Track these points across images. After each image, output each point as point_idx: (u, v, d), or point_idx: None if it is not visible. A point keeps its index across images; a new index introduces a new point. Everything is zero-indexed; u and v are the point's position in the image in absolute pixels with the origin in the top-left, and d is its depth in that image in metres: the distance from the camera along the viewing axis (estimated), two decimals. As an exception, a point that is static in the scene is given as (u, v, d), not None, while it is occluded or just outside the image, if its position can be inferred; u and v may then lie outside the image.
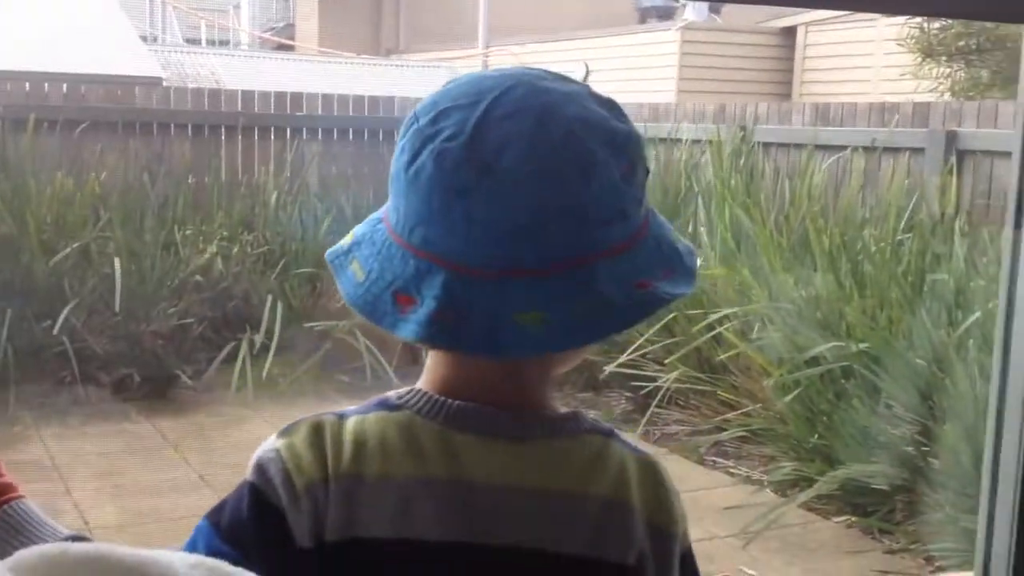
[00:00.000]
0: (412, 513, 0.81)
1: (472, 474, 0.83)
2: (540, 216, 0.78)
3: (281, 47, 13.77)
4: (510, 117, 0.79)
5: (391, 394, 0.87)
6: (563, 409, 0.89)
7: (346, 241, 0.87)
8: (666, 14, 13.21)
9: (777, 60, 10.58)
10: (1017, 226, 1.26)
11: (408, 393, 0.86)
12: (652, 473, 0.90)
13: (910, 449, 3.57)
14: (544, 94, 0.82)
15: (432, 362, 0.87)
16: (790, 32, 10.42)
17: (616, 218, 0.81)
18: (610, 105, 0.84)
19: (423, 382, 0.87)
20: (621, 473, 0.87)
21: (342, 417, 0.85)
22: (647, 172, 0.85)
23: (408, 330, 0.79)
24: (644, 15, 13.79)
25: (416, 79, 10.82)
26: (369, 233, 0.85)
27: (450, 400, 0.84)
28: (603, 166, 0.80)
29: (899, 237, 4.37)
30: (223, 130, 6.39)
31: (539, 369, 0.87)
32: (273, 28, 15.23)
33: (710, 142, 5.50)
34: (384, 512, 0.81)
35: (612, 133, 0.81)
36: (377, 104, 6.98)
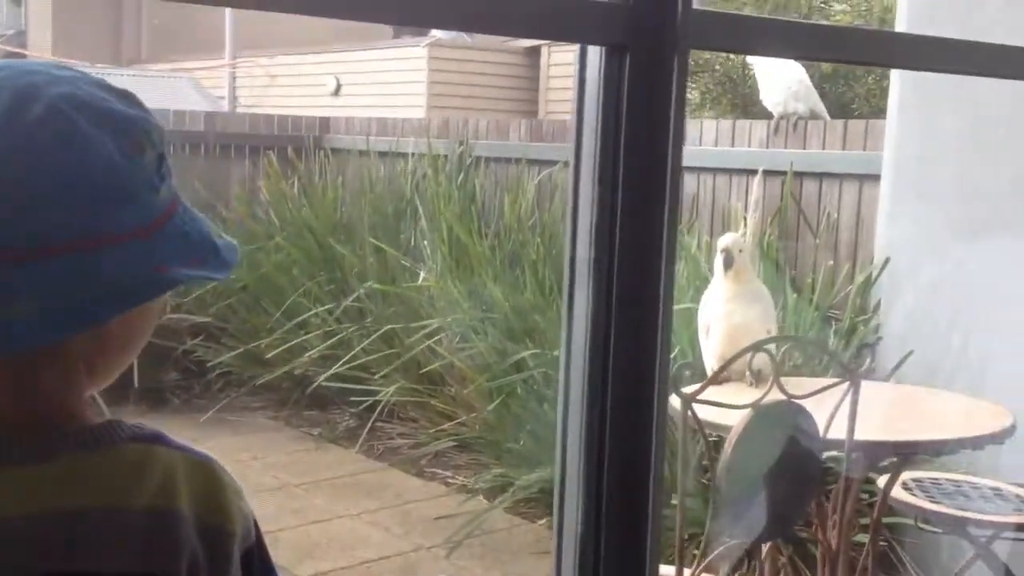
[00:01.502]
0: None
1: None
2: (21, 194, 0.75)
3: (11, 55, 12.92)
4: None
5: None
6: (98, 419, 0.85)
7: None
8: (421, 30, 13.32)
9: (523, 79, 10.88)
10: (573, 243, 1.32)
11: None
12: (205, 473, 0.88)
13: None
14: (29, 75, 0.79)
15: None
16: (535, 51, 10.74)
17: (121, 200, 0.78)
18: (122, 94, 0.82)
19: None
20: (167, 479, 0.85)
21: None
22: (161, 159, 0.82)
23: None
24: (399, 30, 13.84)
25: (157, 90, 10.42)
26: None
27: None
28: (90, 140, 0.77)
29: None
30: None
31: (61, 375, 0.82)
32: (2, 36, 14.27)
33: (431, 157, 5.59)
34: None
35: (109, 113, 0.79)
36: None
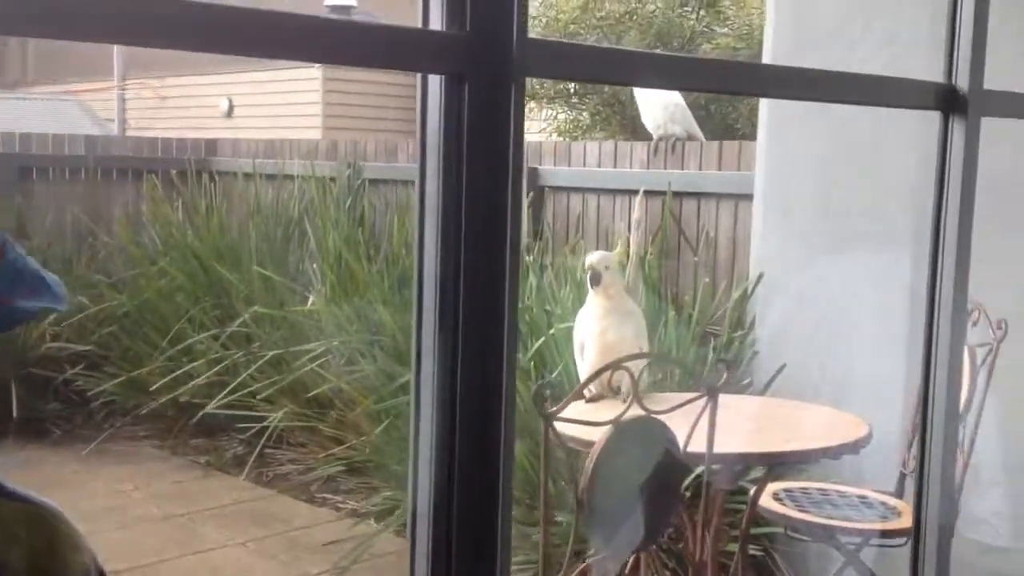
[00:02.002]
0: None
1: None
2: None
3: None
4: None
5: None
6: None
7: None
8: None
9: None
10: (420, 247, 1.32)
11: None
12: (39, 524, 0.87)
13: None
14: None
15: None
16: (427, 72, 10.76)
17: None
18: None
19: None
20: None
21: None
22: None
23: None
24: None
25: (43, 114, 10.14)
26: None
27: None
28: None
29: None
30: None
31: None
32: None
33: (317, 179, 5.57)
34: None
35: None
36: (-1, 139, 6.40)
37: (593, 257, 2.48)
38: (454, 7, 1.19)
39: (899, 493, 2.91)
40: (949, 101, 1.87)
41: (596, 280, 2.43)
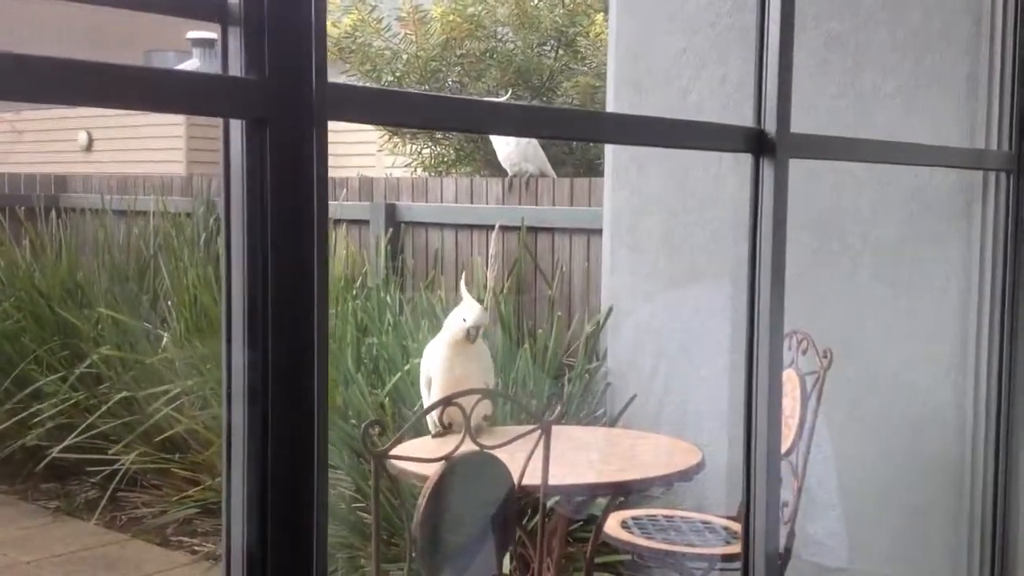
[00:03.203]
0: None
1: None
2: None
3: None
4: None
5: None
6: None
7: None
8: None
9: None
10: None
11: None
12: None
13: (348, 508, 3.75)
14: None
15: None
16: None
17: None
18: None
19: None
20: None
21: None
22: None
23: None
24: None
25: None
26: None
27: None
28: None
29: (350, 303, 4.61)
30: None
31: None
32: None
33: (170, 216, 5.47)
34: None
35: None
36: None
37: (477, 317, 2.45)
38: (252, 53, 1.21)
39: (740, 517, 3.00)
40: (759, 144, 1.97)
41: (474, 339, 2.45)
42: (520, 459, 1.96)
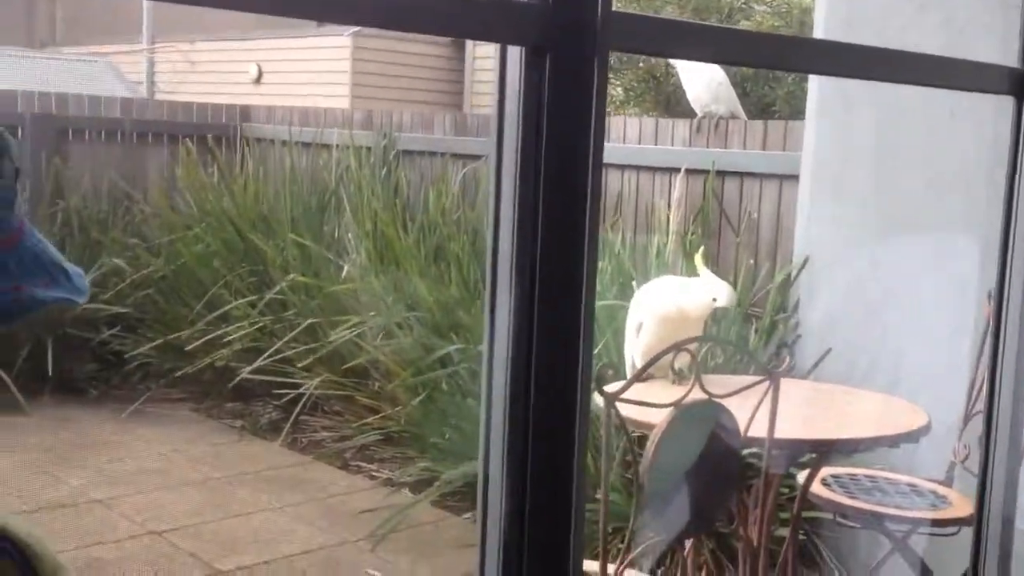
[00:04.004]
0: None
1: None
2: None
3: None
4: None
5: None
6: None
7: None
8: (345, 19, 13.08)
9: (449, 71, 10.80)
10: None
11: None
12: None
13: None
14: None
15: None
16: (460, 44, 10.68)
17: None
18: None
19: None
20: None
21: None
22: (17, 173, 0.81)
23: None
24: (324, 18, 13.61)
25: (73, 74, 10.14)
26: None
27: None
28: None
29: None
30: None
31: None
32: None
33: (355, 149, 5.55)
34: None
35: None
36: (29, 99, 6.40)
37: (728, 298, 2.35)
38: (533, -23, 1.15)
39: (949, 482, 2.87)
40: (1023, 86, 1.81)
41: (721, 318, 2.34)
42: (742, 410, 1.90)
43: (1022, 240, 1.87)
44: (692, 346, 1.86)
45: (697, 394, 1.77)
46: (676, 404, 1.74)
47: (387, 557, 3.66)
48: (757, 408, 1.89)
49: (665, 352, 1.83)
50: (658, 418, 1.79)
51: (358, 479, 4.47)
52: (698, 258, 2.51)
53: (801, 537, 3.20)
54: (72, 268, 0.86)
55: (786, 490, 3.04)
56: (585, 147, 1.20)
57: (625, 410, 1.84)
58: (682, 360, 1.85)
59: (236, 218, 5.48)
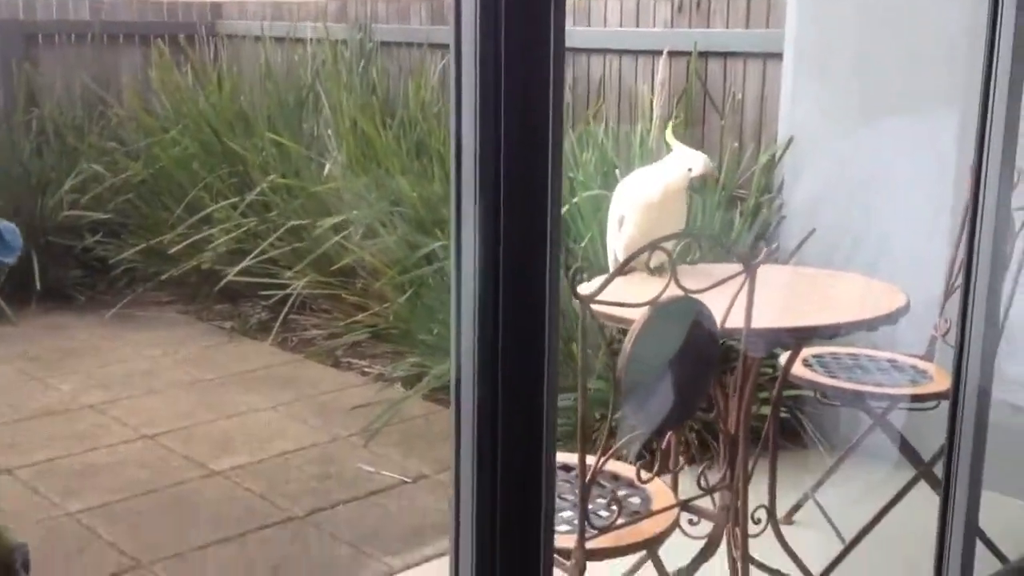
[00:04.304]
0: None
1: None
2: None
3: None
4: None
5: None
6: None
7: None
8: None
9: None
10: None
11: None
12: None
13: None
14: None
15: None
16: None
17: None
18: None
19: None
20: None
21: None
22: None
23: None
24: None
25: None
26: None
27: None
28: None
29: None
30: None
31: None
32: None
33: (330, 43, 5.42)
34: None
35: None
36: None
37: (705, 166, 2.29)
38: None
39: (929, 356, 2.90)
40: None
41: (698, 188, 2.29)
42: (712, 299, 1.88)
43: (1000, 109, 1.85)
44: (669, 244, 1.83)
45: (674, 290, 1.76)
46: (651, 303, 1.73)
47: (379, 451, 3.71)
48: (733, 301, 1.88)
49: (641, 251, 1.80)
50: (636, 315, 1.78)
51: (350, 375, 4.50)
52: (668, 134, 2.46)
53: (784, 415, 3.24)
54: (4, 224, 0.83)
55: (769, 370, 3.07)
56: (545, 25, 1.16)
57: (602, 309, 1.83)
58: (658, 258, 1.83)
59: (213, 119, 5.40)
